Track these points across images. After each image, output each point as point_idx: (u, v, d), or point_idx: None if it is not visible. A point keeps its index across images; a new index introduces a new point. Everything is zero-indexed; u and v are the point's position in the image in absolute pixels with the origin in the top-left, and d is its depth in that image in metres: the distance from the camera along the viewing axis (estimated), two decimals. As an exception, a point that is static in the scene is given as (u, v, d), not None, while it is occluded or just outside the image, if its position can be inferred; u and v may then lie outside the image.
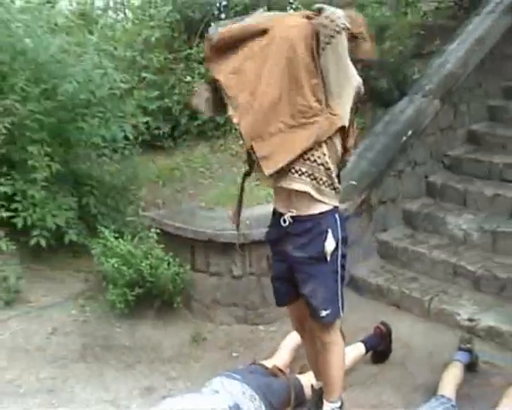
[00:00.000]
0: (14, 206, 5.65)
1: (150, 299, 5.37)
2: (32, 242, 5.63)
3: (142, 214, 5.96)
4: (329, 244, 3.32)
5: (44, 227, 5.59)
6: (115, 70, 6.20)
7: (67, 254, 6.05)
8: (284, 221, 3.37)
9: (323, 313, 3.43)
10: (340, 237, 3.38)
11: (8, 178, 5.69)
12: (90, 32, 7.55)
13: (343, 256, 3.46)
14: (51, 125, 5.83)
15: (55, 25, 6.82)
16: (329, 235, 3.32)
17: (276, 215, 3.49)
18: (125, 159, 6.55)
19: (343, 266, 3.49)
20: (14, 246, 5.61)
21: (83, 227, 5.91)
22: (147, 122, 6.66)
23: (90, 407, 4.36)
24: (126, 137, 6.27)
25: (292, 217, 3.36)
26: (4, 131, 5.56)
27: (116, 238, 5.42)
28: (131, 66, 7.52)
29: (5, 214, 5.57)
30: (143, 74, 7.37)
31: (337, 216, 3.41)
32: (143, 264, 5.20)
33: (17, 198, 5.66)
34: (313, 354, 3.81)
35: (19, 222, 5.59)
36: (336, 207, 3.42)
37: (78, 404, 4.38)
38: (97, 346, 5.12)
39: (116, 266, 5.24)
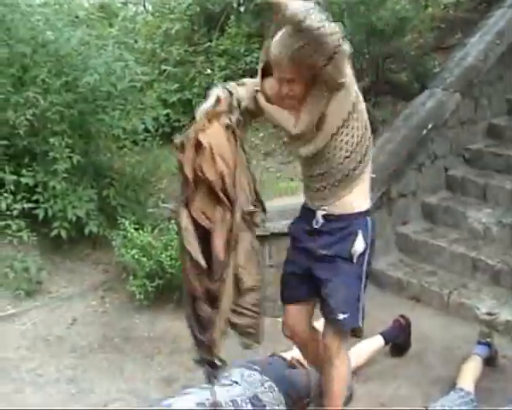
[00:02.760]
0: (35, 197, 5.71)
1: (170, 290, 5.38)
2: (53, 233, 5.67)
3: (162, 206, 5.98)
4: (359, 246, 3.20)
5: (65, 219, 5.64)
6: (136, 62, 6.22)
7: (87, 245, 6.10)
8: (316, 221, 3.29)
9: (341, 316, 3.23)
10: (369, 242, 3.26)
11: (30, 169, 5.74)
12: (111, 25, 7.59)
13: (369, 263, 3.32)
14: (72, 117, 5.88)
15: (76, 17, 6.85)
16: (360, 237, 3.21)
17: (306, 211, 3.41)
18: (146, 151, 6.57)
19: (367, 275, 3.35)
20: (35, 237, 5.66)
21: (103, 219, 5.94)
22: (167, 114, 6.66)
23: (110, 396, 4.38)
24: (147, 130, 6.29)
25: (323, 215, 3.28)
26: (26, 123, 5.62)
27: (136, 230, 5.45)
28: (152, 58, 7.57)
29: (26, 206, 5.62)
30: (163, 67, 7.40)
31: (368, 219, 3.30)
32: (163, 255, 5.22)
33: (38, 190, 5.71)
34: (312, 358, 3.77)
35: (40, 213, 5.64)
36: (368, 210, 3.31)
37: (97, 394, 4.40)
38: (117, 337, 5.14)
39: (136, 257, 5.26)
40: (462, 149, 6.66)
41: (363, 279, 3.30)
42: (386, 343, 4.58)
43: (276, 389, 3.84)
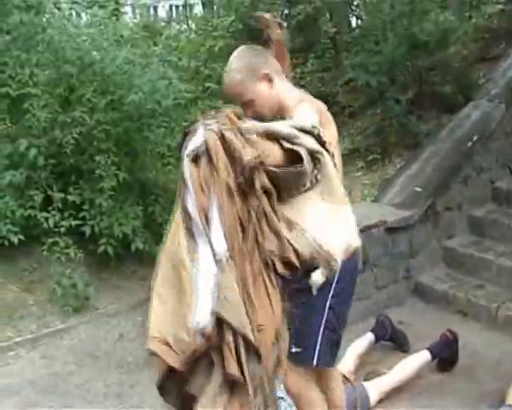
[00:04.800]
0: (82, 214, 5.80)
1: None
2: (100, 250, 5.75)
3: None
4: (316, 277, 2.74)
5: (111, 235, 5.72)
6: (180, 80, 6.29)
7: (134, 262, 6.16)
8: None
9: (293, 350, 2.83)
10: (335, 275, 2.79)
11: (77, 187, 5.84)
12: (155, 44, 7.69)
13: (335, 298, 2.87)
14: (118, 135, 5.97)
15: (121, 37, 6.96)
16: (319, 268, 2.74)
17: None
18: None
19: (333, 311, 2.89)
20: (82, 254, 5.75)
21: (149, 235, 6.00)
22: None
23: (158, 412, 4.40)
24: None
25: None
26: (73, 141, 5.72)
27: (180, 245, 5.47)
28: (195, 76, 7.63)
29: (73, 223, 5.72)
30: (207, 84, 7.45)
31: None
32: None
33: (85, 207, 5.81)
34: None
35: (87, 230, 5.73)
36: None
37: (144, 409, 4.43)
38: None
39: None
40: (508, 160, 6.57)
41: (325, 314, 2.87)
42: (433, 358, 4.52)
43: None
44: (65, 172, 6.00)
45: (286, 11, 9.04)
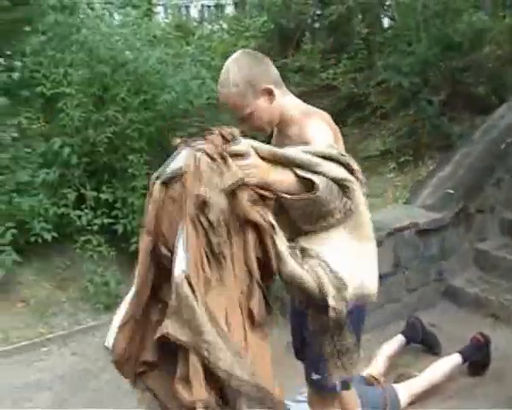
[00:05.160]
0: (114, 213, 5.85)
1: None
2: (132, 248, 5.79)
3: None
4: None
5: (143, 234, 5.75)
6: (213, 80, 6.31)
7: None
8: None
9: (314, 376, 2.87)
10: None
11: (109, 185, 5.90)
12: (187, 44, 7.72)
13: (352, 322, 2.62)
14: (150, 135, 6.01)
15: (154, 37, 7.00)
16: None
17: None
18: (221, 167, 6.64)
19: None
20: (115, 252, 5.80)
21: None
22: (242, 131, 6.68)
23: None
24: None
25: None
26: (106, 140, 5.78)
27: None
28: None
29: (106, 221, 5.77)
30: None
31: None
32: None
33: (117, 205, 5.86)
34: None
35: (119, 229, 5.78)
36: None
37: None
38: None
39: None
40: (542, 162, 6.51)
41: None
42: (464, 361, 4.49)
43: (352, 405, 3.82)
44: (98, 170, 6.06)
45: (318, 12, 9.04)
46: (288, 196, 2.27)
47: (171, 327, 2.09)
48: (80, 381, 4.79)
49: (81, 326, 5.51)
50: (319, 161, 2.28)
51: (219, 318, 2.10)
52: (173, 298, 2.10)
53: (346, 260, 2.41)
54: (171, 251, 2.16)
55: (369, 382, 4.17)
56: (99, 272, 5.69)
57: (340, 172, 2.30)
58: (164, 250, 2.21)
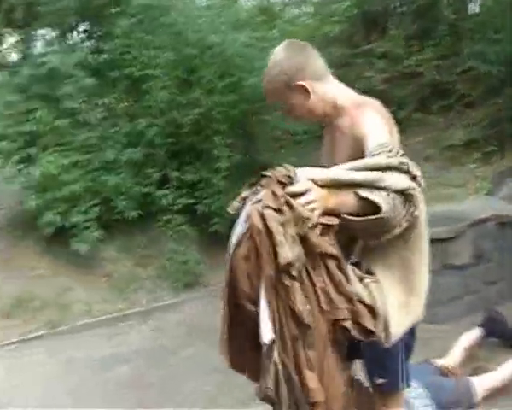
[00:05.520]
0: (197, 193, 5.93)
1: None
2: (212, 229, 5.87)
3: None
4: None
5: (224, 215, 5.82)
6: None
7: (244, 241, 6.24)
8: None
9: (378, 381, 2.74)
10: None
11: (193, 166, 5.98)
12: (272, 27, 7.73)
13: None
14: (234, 117, 6.06)
15: (239, 20, 7.04)
16: None
17: None
18: (304, 151, 6.63)
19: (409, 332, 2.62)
20: (195, 232, 5.88)
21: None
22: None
23: (258, 391, 4.45)
24: (305, 131, 6.35)
25: None
26: (191, 122, 5.85)
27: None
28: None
29: (189, 201, 5.85)
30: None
31: None
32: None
33: (200, 186, 5.93)
34: None
35: (201, 209, 5.86)
36: None
37: (245, 389, 4.49)
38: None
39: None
40: None
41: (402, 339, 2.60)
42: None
43: (427, 395, 3.80)
44: (181, 151, 6.15)
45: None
46: (352, 218, 2.15)
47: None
48: (157, 357, 4.88)
49: (160, 303, 5.62)
50: (380, 175, 2.14)
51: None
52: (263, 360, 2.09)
53: (395, 289, 2.30)
54: (256, 305, 2.09)
55: (444, 372, 4.13)
56: (179, 250, 5.79)
57: (402, 181, 2.16)
58: (249, 306, 2.13)
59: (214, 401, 4.20)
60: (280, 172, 2.09)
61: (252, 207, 2.10)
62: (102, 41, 6.73)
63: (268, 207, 2.05)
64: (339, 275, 2.11)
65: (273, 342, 2.04)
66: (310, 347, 2.07)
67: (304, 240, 2.05)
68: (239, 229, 2.13)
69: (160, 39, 6.27)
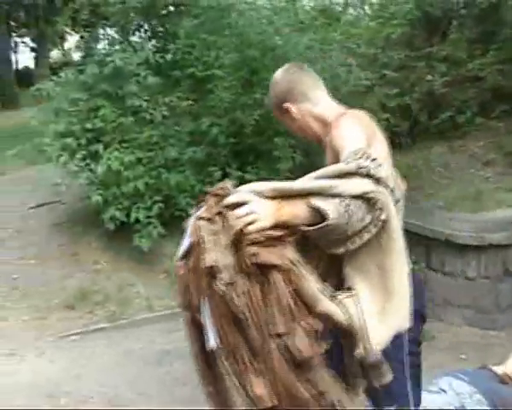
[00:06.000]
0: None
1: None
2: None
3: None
4: None
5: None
6: (359, 67, 6.32)
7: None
8: None
9: (390, 408, 2.66)
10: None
11: (254, 166, 6.03)
12: (333, 30, 7.74)
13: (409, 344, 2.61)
14: (294, 120, 6.09)
15: (301, 23, 7.06)
16: None
17: None
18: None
19: (412, 354, 2.65)
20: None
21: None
22: (387, 119, 6.67)
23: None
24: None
25: None
26: (253, 122, 5.90)
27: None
28: (372, 63, 7.62)
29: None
30: (384, 71, 7.42)
31: None
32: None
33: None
34: None
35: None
36: None
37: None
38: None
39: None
40: None
41: (406, 362, 2.65)
42: None
43: (484, 402, 3.76)
44: (243, 151, 6.21)
45: (468, 0, 8.83)
46: (305, 229, 2.10)
47: None
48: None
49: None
50: (333, 182, 2.07)
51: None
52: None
53: (374, 297, 2.24)
54: None
55: (504, 380, 4.09)
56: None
57: (362, 186, 2.07)
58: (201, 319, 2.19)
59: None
60: (217, 187, 2.15)
61: (191, 220, 2.15)
62: (166, 41, 6.83)
63: (201, 218, 2.11)
64: (283, 289, 2.06)
65: (217, 348, 2.08)
66: (254, 353, 2.07)
67: (238, 249, 2.05)
68: (184, 241, 2.18)
69: (222, 40, 6.34)
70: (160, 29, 7.23)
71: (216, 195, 2.13)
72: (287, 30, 6.34)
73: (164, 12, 6.85)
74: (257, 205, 2.07)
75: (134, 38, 7.54)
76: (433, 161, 7.01)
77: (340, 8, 10.12)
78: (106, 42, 8.10)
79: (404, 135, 7.32)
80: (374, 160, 2.14)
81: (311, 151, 6.28)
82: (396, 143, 7.22)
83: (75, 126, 6.42)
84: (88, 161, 6.28)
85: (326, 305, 2.11)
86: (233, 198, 2.08)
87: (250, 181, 5.89)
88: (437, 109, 7.43)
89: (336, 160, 2.33)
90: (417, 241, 5.52)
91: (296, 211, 2.08)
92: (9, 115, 17.11)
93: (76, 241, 6.84)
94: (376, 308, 2.20)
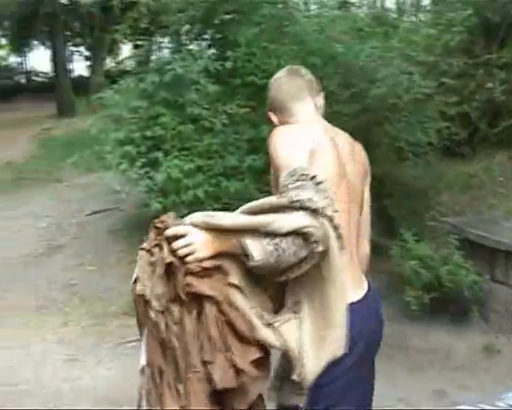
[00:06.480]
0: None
1: (445, 304, 5.37)
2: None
3: (442, 220, 5.96)
4: None
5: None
6: (420, 75, 6.25)
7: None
8: None
9: None
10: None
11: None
12: (390, 36, 7.68)
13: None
14: (355, 128, 6.04)
15: (360, 30, 7.02)
16: None
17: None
18: (427, 164, 6.56)
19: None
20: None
21: (380, 228, 6.03)
22: (448, 127, 6.59)
23: (382, 403, 4.45)
24: (429, 143, 6.28)
25: None
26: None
27: (416, 241, 5.48)
28: (431, 70, 7.54)
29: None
30: (443, 79, 7.33)
31: None
32: (442, 269, 5.21)
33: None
34: None
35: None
36: None
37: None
38: (388, 344, 5.21)
39: (415, 268, 5.29)
40: None
41: None
42: None
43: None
44: (302, 159, 6.18)
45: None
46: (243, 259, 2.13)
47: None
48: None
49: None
50: (265, 221, 2.05)
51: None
52: None
53: (314, 323, 2.20)
54: None
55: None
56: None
57: (294, 222, 2.01)
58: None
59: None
60: (158, 220, 2.28)
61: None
62: (225, 49, 6.85)
63: (142, 249, 2.29)
64: (213, 318, 2.13)
65: (143, 369, 2.26)
66: (179, 378, 2.17)
67: (175, 279, 2.18)
68: (135, 270, 2.35)
69: (283, 48, 6.33)
70: (219, 37, 7.25)
71: (156, 228, 2.26)
72: (346, 37, 6.30)
73: (222, 20, 6.85)
74: (195, 237, 2.14)
75: (193, 47, 7.60)
76: (495, 170, 6.91)
77: (395, 15, 10.06)
78: (165, 50, 8.20)
79: (463, 143, 7.21)
80: (313, 178, 2.10)
81: (371, 160, 6.23)
82: (455, 151, 7.16)
83: (135, 134, 6.49)
84: (147, 168, 6.33)
85: (261, 333, 2.13)
86: (171, 231, 2.18)
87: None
88: (497, 117, 7.33)
89: (275, 175, 2.32)
90: (481, 252, 5.46)
91: (229, 245, 2.13)
92: (66, 123, 17.43)
93: (133, 248, 6.88)
94: (315, 335, 2.18)
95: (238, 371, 2.10)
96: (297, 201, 2.03)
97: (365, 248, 2.82)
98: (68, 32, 24.66)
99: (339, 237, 2.14)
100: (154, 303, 2.21)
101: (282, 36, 6.43)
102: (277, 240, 2.01)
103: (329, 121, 5.84)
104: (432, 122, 6.38)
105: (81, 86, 20.59)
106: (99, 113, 7.61)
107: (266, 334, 2.15)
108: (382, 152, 6.28)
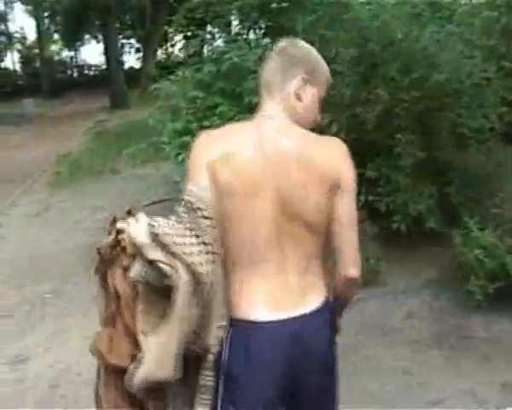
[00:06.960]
0: (377, 190, 5.88)
1: (510, 294, 5.25)
2: (393, 226, 5.81)
3: (506, 207, 5.84)
4: None
5: (405, 213, 5.75)
6: (481, 59, 6.13)
7: (424, 240, 6.14)
8: None
9: None
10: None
11: (374, 163, 5.93)
12: (448, 20, 7.53)
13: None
14: (417, 114, 5.96)
15: (419, 15, 6.88)
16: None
17: None
18: (489, 150, 6.44)
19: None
20: (377, 229, 5.84)
21: (442, 216, 5.95)
22: (509, 112, 6.43)
23: (445, 394, 4.39)
24: (491, 129, 6.16)
25: None
26: (373, 118, 5.81)
27: (480, 229, 5.38)
28: (490, 54, 7.37)
29: (370, 198, 5.83)
30: (503, 63, 7.16)
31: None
32: (508, 257, 5.10)
33: (381, 183, 5.88)
34: None
35: (381, 206, 5.81)
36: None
37: (433, 390, 4.43)
38: (452, 335, 5.14)
39: (479, 257, 5.19)
40: None
41: None
42: None
43: None
44: (362, 147, 6.10)
45: None
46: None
47: None
48: (340, 353, 4.89)
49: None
50: (144, 244, 2.21)
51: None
52: None
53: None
54: None
55: None
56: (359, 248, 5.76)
57: (154, 254, 2.19)
58: None
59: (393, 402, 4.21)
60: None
61: None
62: (281, 37, 6.78)
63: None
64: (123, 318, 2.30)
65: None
66: (104, 384, 2.32)
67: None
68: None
69: (341, 35, 6.25)
70: (275, 25, 7.20)
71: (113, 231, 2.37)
72: (404, 23, 6.19)
73: (279, 7, 6.81)
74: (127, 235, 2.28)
75: (249, 36, 7.58)
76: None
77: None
78: (221, 40, 8.19)
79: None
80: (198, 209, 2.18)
81: (431, 147, 6.15)
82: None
83: (193, 125, 6.49)
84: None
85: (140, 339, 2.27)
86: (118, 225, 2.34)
87: (370, 178, 5.84)
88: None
89: None
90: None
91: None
92: (120, 115, 17.61)
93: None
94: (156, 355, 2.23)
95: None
96: (155, 235, 2.18)
97: (343, 268, 2.42)
98: (119, 25, 24.90)
99: (197, 282, 2.17)
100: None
101: (340, 23, 6.33)
102: (147, 264, 2.18)
103: (389, 108, 5.81)
104: (492, 107, 6.24)
105: (132, 78, 20.79)
106: (155, 104, 7.64)
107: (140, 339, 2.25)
108: (444, 139, 6.18)
